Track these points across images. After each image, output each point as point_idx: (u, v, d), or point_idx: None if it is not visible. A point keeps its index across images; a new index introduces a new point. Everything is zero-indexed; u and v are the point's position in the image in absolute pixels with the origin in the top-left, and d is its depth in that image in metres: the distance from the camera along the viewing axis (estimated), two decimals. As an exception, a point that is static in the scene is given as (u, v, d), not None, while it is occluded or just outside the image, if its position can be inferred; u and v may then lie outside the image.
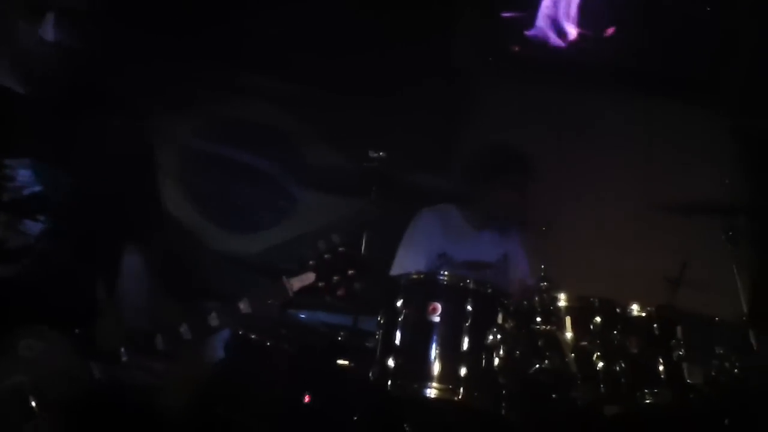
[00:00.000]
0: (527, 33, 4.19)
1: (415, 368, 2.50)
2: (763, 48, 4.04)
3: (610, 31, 4.17)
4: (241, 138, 4.00)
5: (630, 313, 2.69)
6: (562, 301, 2.62)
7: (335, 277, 1.83)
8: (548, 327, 2.53)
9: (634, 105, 4.10)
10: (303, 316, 3.31)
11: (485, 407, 2.46)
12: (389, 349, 2.54)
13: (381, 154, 2.70)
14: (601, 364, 2.54)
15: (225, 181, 3.98)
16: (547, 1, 4.14)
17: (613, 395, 2.56)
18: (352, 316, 2.94)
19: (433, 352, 2.49)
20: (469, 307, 2.53)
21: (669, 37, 4.19)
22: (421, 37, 3.97)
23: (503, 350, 2.50)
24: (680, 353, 2.67)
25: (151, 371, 1.91)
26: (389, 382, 2.48)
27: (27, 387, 1.83)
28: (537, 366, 2.45)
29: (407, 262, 3.45)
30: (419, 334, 2.53)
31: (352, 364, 2.80)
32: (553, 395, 2.51)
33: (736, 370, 2.76)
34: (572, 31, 4.14)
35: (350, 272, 1.83)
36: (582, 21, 4.16)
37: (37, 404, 1.82)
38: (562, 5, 4.12)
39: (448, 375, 2.46)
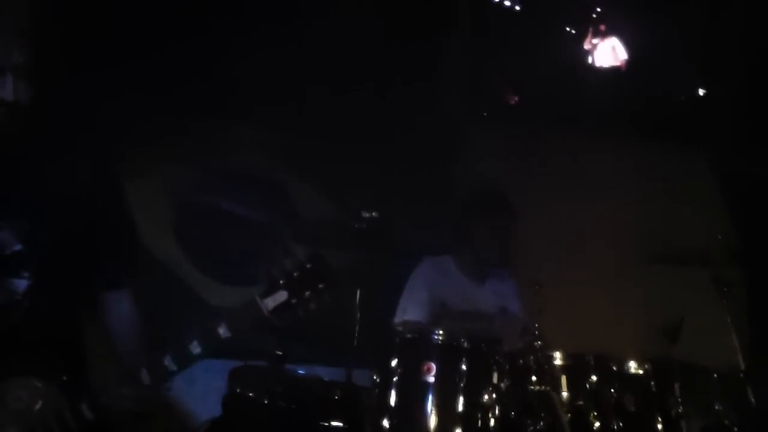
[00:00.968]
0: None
1: (411, 429, 2.47)
2: (757, 98, 4.09)
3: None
4: (235, 191, 4.01)
5: (626, 370, 2.69)
6: (557, 359, 2.62)
7: (307, 293, 1.84)
8: (543, 387, 2.51)
9: (627, 154, 4.13)
10: (301, 372, 3.30)
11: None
12: (384, 409, 2.52)
13: (373, 214, 2.71)
14: (597, 424, 2.52)
15: (221, 234, 3.99)
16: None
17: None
18: (348, 369, 2.92)
19: (428, 412, 2.46)
20: (463, 367, 2.52)
21: (662, 87, 4.26)
22: (413, 89, 4.02)
23: (498, 410, 2.49)
24: (679, 410, 2.66)
25: (140, 399, 1.92)
26: (385, 444, 2.46)
27: None
28: (531, 428, 2.43)
29: (409, 311, 3.46)
30: (414, 394, 2.51)
31: (348, 425, 2.76)
32: (550, 456, 2.48)
33: (735, 428, 2.74)
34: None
35: (320, 286, 1.84)
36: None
37: None
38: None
39: (444, 436, 2.43)
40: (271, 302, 1.85)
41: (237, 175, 4.03)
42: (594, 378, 2.59)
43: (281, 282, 1.85)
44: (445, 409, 2.47)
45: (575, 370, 2.60)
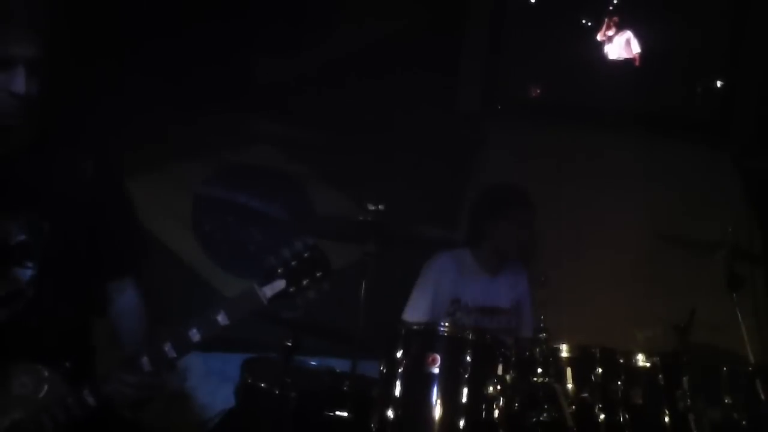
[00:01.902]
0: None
1: (415, 420, 2.50)
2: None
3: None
4: (250, 184, 4.05)
5: (634, 362, 2.67)
6: (563, 351, 2.61)
7: (305, 281, 1.85)
8: (548, 378, 2.52)
9: (638, 145, 4.09)
10: (312, 363, 3.34)
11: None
12: (389, 400, 2.55)
13: (380, 206, 2.72)
14: (602, 416, 2.52)
15: (236, 227, 4.04)
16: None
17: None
18: (354, 361, 2.95)
19: (433, 403, 2.49)
20: (468, 358, 2.53)
21: (676, 76, 4.21)
22: (425, 84, 4.01)
23: (503, 402, 2.50)
24: (687, 404, 2.64)
25: (141, 386, 1.94)
26: (388, 433, 2.48)
27: (24, 423, 1.91)
28: (534, 419, 2.44)
29: (420, 305, 3.47)
30: (418, 385, 2.53)
31: (355, 415, 2.79)
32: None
33: (744, 422, 2.72)
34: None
35: (318, 274, 1.85)
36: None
37: None
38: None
39: (448, 427, 2.45)
40: (269, 290, 1.85)
41: (250, 169, 4.07)
42: (600, 370, 2.58)
43: (279, 271, 1.86)
44: (449, 400, 2.49)
45: (581, 362, 2.59)
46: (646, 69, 4.18)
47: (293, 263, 1.85)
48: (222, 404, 3.37)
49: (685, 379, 2.69)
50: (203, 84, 3.80)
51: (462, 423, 2.45)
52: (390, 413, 2.51)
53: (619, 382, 2.60)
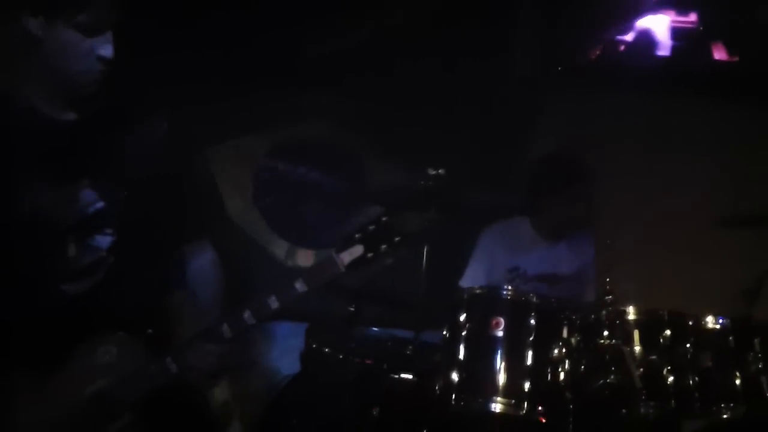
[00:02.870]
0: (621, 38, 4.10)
1: (479, 383, 2.50)
2: None
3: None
4: (308, 156, 4.09)
5: (703, 325, 2.61)
6: (631, 314, 2.55)
7: (383, 246, 1.83)
8: (615, 341, 2.48)
9: (704, 113, 3.96)
10: (375, 330, 3.38)
11: (550, 422, 2.43)
12: (453, 363, 2.55)
13: (440, 171, 2.71)
14: (671, 379, 2.47)
15: (295, 199, 4.09)
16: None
17: (686, 410, 2.49)
18: (417, 331, 2.96)
19: (497, 366, 2.48)
20: (532, 321, 2.52)
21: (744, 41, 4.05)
22: (483, 48, 3.96)
23: (568, 365, 2.48)
24: (758, 366, 2.57)
25: (222, 355, 1.95)
26: (453, 397, 2.49)
27: (110, 390, 1.93)
28: (601, 381, 2.41)
29: (478, 274, 3.46)
30: (482, 348, 2.53)
31: (419, 378, 2.81)
32: (622, 410, 2.45)
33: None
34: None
35: (396, 239, 1.82)
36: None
37: (120, 405, 1.93)
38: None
39: (512, 389, 2.44)
40: (347, 256, 1.84)
41: (308, 142, 4.11)
42: (668, 333, 2.53)
43: (357, 236, 1.84)
44: (514, 364, 2.48)
45: (648, 324, 2.53)
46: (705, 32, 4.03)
47: (371, 228, 1.84)
48: (288, 369, 3.45)
49: (756, 341, 2.61)
50: (258, 59, 3.82)
51: (527, 386, 2.44)
52: (454, 376, 2.52)
53: (688, 345, 2.53)
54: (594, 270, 3.51)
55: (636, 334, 2.52)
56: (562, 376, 2.48)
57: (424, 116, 3.97)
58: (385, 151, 4.08)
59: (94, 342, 1.97)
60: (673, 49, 4.02)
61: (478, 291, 2.70)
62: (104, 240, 2.03)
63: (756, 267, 2.90)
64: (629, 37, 4.09)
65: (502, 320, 2.52)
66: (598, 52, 4.20)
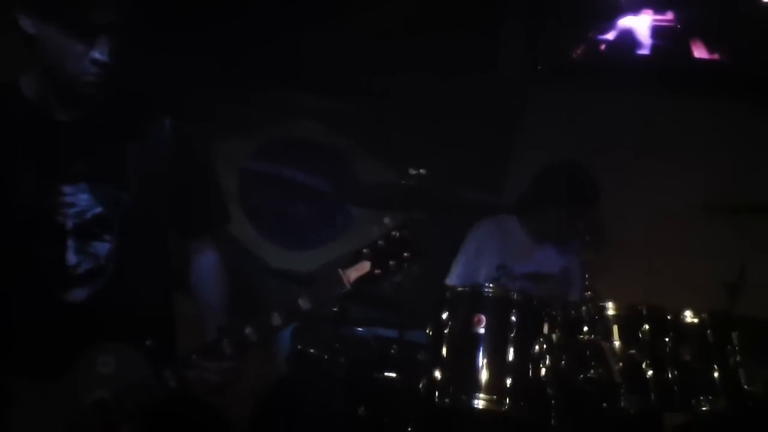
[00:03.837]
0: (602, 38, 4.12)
1: (462, 380, 2.52)
2: None
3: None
4: (295, 157, 4.10)
5: (682, 319, 2.65)
6: (610, 309, 2.59)
7: (391, 263, 1.77)
8: (594, 336, 2.51)
9: (689, 106, 4.00)
10: (360, 329, 3.40)
11: (532, 417, 2.46)
12: (436, 361, 2.57)
13: (421, 171, 2.73)
14: (651, 373, 2.50)
15: (282, 200, 4.10)
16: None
17: (667, 403, 2.53)
18: (401, 330, 2.99)
19: (479, 363, 2.50)
20: (513, 318, 2.54)
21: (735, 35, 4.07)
22: (467, 48, 3.98)
23: (549, 360, 2.51)
24: (737, 359, 2.61)
25: (221, 371, 1.92)
26: (436, 394, 2.51)
27: (107, 401, 1.92)
28: (582, 376, 2.44)
29: (463, 272, 3.49)
30: (465, 346, 2.55)
31: (403, 377, 2.84)
32: (603, 405, 2.48)
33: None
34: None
35: (406, 255, 1.77)
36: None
37: (118, 417, 1.91)
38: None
39: (495, 386, 2.46)
40: (353, 273, 1.80)
41: (294, 143, 4.12)
42: (647, 327, 2.56)
43: (365, 251, 1.79)
44: (496, 360, 2.50)
45: (628, 319, 2.57)
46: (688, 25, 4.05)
47: (380, 243, 1.78)
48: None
49: (734, 335, 2.65)
50: (251, 63, 3.82)
51: (509, 382, 2.47)
52: (438, 374, 2.54)
53: (666, 339, 2.57)
54: (580, 269, 3.54)
55: (615, 329, 2.56)
56: (543, 371, 2.50)
57: (411, 117, 3.97)
58: (373, 150, 4.09)
59: (92, 352, 1.95)
60: (653, 47, 4.04)
61: (459, 289, 2.73)
62: (103, 247, 2.00)
63: (736, 260, 2.92)
64: (610, 35, 4.10)
65: (483, 318, 2.54)
66: (579, 52, 4.22)
